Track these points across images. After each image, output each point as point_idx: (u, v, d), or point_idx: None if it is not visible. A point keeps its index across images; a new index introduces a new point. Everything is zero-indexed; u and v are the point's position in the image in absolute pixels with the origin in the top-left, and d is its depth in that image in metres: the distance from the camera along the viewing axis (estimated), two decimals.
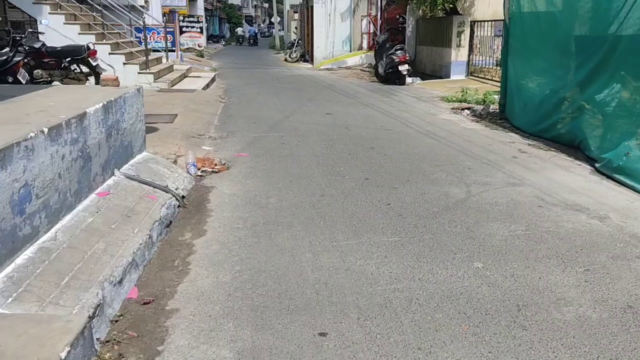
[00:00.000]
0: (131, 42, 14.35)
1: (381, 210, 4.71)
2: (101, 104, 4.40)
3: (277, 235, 4.16)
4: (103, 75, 5.40)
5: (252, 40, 46.31)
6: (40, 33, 11.69)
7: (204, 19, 35.82)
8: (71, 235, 3.50)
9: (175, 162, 6.41)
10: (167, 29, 17.13)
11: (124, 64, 12.91)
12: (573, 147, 6.85)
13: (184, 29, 25.96)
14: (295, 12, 39.21)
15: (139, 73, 12.97)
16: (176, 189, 5.08)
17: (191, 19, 26.11)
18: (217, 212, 4.73)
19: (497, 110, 9.37)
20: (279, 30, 43.39)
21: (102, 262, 3.34)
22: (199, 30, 26.12)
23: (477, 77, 15.22)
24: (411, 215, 4.58)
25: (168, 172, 5.45)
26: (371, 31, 23.02)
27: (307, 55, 27.28)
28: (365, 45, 23.35)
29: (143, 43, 13.58)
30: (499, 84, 13.67)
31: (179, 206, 4.81)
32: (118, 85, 5.44)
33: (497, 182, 5.49)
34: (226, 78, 17.88)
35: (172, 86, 13.44)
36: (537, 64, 8.07)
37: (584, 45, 6.91)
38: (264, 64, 25.58)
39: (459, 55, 15.72)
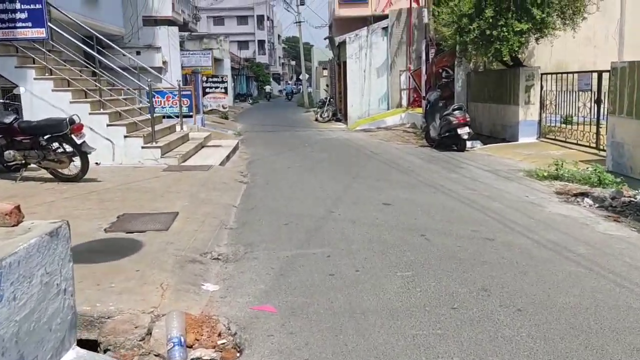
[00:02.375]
0: (139, 109, 11.83)
1: None
2: None
3: None
4: None
5: (290, 97, 53.84)
6: (13, 104, 9.22)
7: (229, 79, 33.97)
8: None
9: (147, 335, 3.54)
10: (183, 92, 14.72)
11: (126, 136, 10.34)
12: None
13: (207, 90, 23.80)
14: (324, 68, 37.21)
15: (142, 147, 10.37)
16: None
17: (215, 79, 23.96)
18: None
19: (636, 200, 6.34)
20: (307, 87, 41.38)
21: None
22: (223, 90, 23.91)
23: (554, 139, 12.24)
24: None
25: None
26: (411, 87, 20.41)
27: (339, 114, 24.77)
28: (404, 102, 20.70)
29: (153, 110, 11.04)
30: (589, 149, 10.72)
31: None
32: (16, 224, 2.64)
33: None
34: (251, 145, 15.27)
35: (183, 161, 10.79)
36: None
37: None
38: (293, 124, 23.09)
39: (528, 113, 12.81)
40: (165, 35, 18.74)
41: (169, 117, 14.15)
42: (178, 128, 13.09)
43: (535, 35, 12.15)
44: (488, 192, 7.58)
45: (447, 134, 12.33)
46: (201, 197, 7.67)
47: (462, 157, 11.42)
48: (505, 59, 12.37)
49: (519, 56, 13.55)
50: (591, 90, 11.10)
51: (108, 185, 8.46)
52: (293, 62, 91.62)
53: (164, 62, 18.59)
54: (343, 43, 21.98)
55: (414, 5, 19.74)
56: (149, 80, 10.57)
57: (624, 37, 16.15)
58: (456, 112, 12.26)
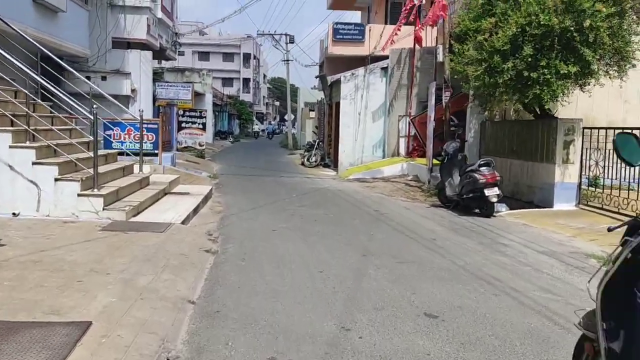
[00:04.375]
0: (85, 145, 9.12)
1: None
2: None
3: None
4: None
5: (271, 136, 54.78)
6: None
7: (210, 114, 31.56)
8: None
9: None
10: (149, 125, 12.08)
11: (57, 179, 7.61)
12: None
13: (183, 125, 21.20)
14: (311, 109, 35.09)
15: (79, 195, 7.63)
16: None
17: (193, 114, 21.39)
18: None
19: None
20: (292, 128, 39.09)
21: None
22: (201, 126, 21.32)
23: (601, 208, 9.83)
24: None
25: None
26: (411, 134, 18.10)
27: (327, 159, 22.32)
28: (402, 151, 18.33)
29: (97, 146, 8.35)
30: None
31: None
32: None
33: None
34: (227, 192, 12.62)
35: (135, 215, 8.07)
36: None
37: None
38: (277, 168, 20.49)
39: (566, 174, 10.45)
40: (137, 60, 16.25)
41: (134, 154, 11.47)
42: (136, 169, 10.39)
43: (580, 81, 9.91)
44: (577, 299, 5.00)
45: (471, 195, 9.85)
46: (141, 283, 4.95)
47: (492, 225, 8.92)
48: (546, 107, 10.08)
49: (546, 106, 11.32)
50: None
51: (9, 253, 5.69)
52: (277, 103, 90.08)
53: (133, 90, 16.03)
54: (337, 82, 19.72)
55: (418, 46, 17.64)
56: (94, 108, 7.89)
57: None
58: (483, 168, 9.84)
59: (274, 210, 10.18)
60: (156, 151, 12.19)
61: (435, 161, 14.81)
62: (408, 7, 17.33)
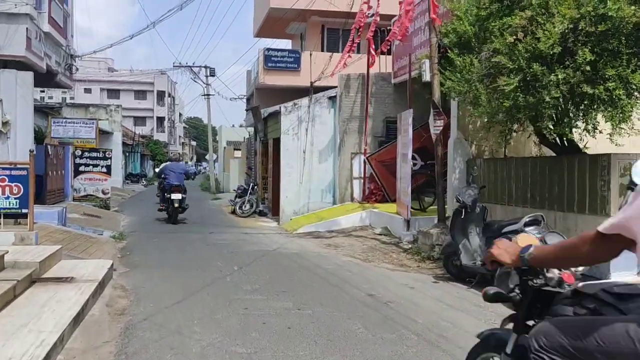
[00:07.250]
0: None
1: None
2: None
3: None
4: None
5: (193, 177, 48.49)
6: None
7: (119, 154, 26.90)
8: None
9: None
10: (13, 172, 7.80)
11: None
12: None
13: (81, 169, 16.61)
14: (235, 149, 31.17)
15: None
16: None
17: (94, 155, 16.87)
18: None
19: None
20: (214, 168, 34.86)
21: None
22: (104, 169, 16.84)
23: None
24: None
25: None
26: (366, 175, 14.80)
27: (261, 206, 18.43)
28: (357, 195, 14.97)
29: None
30: None
31: None
32: None
33: None
34: (138, 265, 8.49)
35: None
36: None
37: None
38: (204, 220, 16.27)
39: None
40: (12, 83, 11.81)
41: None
42: None
43: None
44: None
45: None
46: None
47: None
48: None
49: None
50: None
51: None
52: (194, 143, 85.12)
53: (5, 123, 11.54)
54: (274, 115, 16.16)
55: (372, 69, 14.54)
56: None
57: None
58: (531, 228, 6.51)
59: (213, 303, 6.25)
60: (25, 210, 7.85)
61: (412, 210, 11.53)
62: (361, 25, 14.21)
